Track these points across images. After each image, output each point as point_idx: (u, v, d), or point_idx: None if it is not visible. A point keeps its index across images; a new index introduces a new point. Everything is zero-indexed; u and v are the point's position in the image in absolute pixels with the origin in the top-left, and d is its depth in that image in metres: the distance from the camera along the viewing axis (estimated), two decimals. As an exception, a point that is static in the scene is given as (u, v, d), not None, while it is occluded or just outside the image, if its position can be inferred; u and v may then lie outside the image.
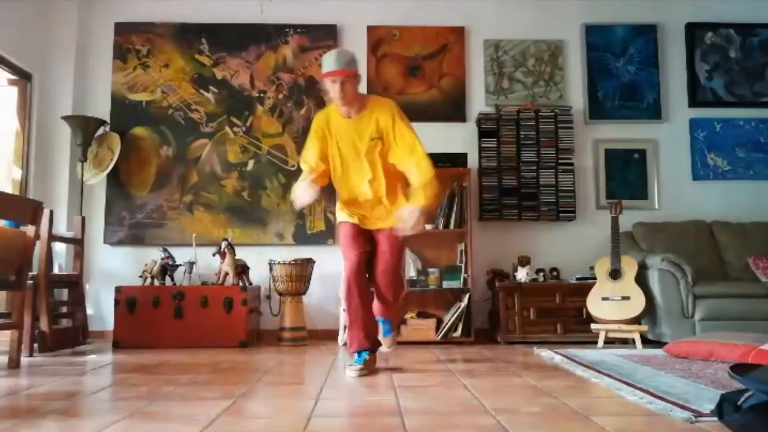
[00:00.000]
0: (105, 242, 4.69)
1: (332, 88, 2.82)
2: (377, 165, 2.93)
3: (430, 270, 4.41)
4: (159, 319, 4.05)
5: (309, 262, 4.32)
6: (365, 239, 2.99)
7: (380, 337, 3.06)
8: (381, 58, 4.90)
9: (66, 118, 4.53)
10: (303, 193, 2.80)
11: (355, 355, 2.93)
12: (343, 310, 3.35)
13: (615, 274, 4.00)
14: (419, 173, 2.85)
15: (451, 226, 4.36)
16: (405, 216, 2.77)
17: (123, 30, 4.87)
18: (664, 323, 3.91)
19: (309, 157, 3.02)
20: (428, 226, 4.37)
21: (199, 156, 4.78)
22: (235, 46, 4.87)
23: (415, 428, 1.77)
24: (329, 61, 2.79)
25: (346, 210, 3.04)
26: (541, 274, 4.43)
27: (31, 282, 3.52)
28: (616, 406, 2.09)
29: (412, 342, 4.15)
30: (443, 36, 4.93)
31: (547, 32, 4.97)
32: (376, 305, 2.99)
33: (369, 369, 2.88)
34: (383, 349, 3.09)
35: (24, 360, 3.35)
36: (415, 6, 4.96)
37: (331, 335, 4.49)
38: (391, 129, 2.89)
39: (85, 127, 4.49)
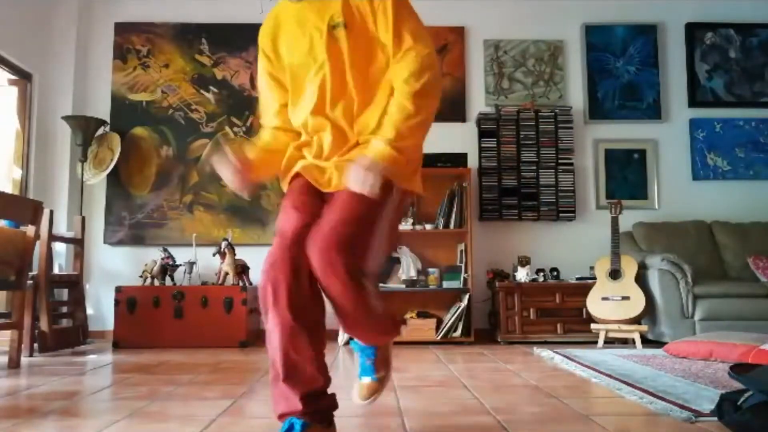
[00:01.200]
0: (105, 242, 4.69)
1: None
2: (343, 71, 1.62)
3: (430, 270, 4.41)
4: (159, 319, 4.05)
5: (309, 262, 4.32)
6: (317, 204, 1.68)
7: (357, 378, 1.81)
8: (381, 58, 4.88)
9: (66, 118, 4.53)
10: (225, 172, 1.66)
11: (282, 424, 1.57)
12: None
13: (615, 274, 4.00)
14: (401, 98, 1.60)
15: (451, 226, 4.36)
16: (351, 171, 1.51)
17: (123, 30, 4.87)
18: (664, 323, 3.91)
19: (267, 111, 1.78)
20: (428, 226, 4.37)
21: (199, 156, 4.78)
22: (235, 46, 4.87)
23: (415, 428, 1.77)
24: None
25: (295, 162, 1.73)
26: (541, 274, 4.43)
27: (31, 282, 3.53)
28: (616, 406, 2.09)
29: (412, 342, 4.15)
30: (443, 36, 4.93)
31: (547, 32, 4.97)
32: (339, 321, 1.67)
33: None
34: (356, 399, 1.79)
35: (24, 360, 3.35)
36: (414, 6, 4.93)
37: (330, 335, 4.47)
38: (368, 9, 1.63)
39: (85, 127, 4.49)
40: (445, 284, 4.34)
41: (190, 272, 4.39)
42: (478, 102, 4.89)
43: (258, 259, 4.71)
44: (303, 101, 1.68)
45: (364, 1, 1.63)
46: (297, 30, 1.67)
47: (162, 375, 2.83)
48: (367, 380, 1.78)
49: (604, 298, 3.96)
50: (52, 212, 3.76)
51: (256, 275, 4.49)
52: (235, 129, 4.80)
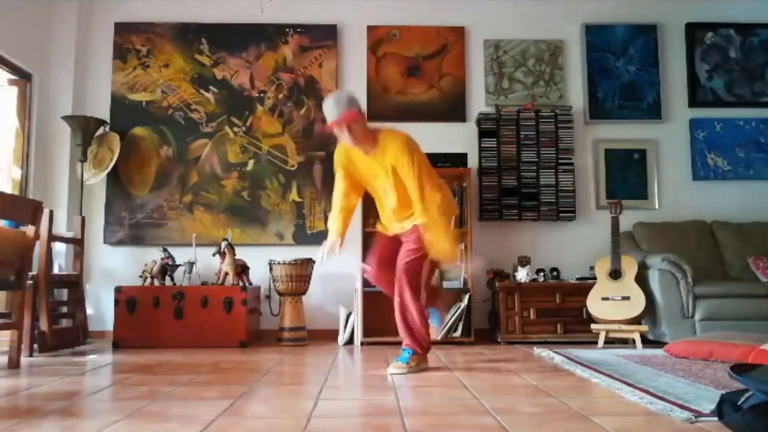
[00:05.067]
0: (105, 242, 4.69)
1: (341, 135, 2.89)
2: (400, 192, 2.98)
3: (430, 270, 4.41)
4: (159, 319, 4.05)
5: (309, 262, 4.32)
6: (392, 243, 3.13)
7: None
8: (381, 58, 4.90)
9: (66, 118, 4.53)
10: (329, 253, 3.06)
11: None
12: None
13: (615, 274, 4.00)
14: (423, 217, 2.92)
15: (451, 226, 4.35)
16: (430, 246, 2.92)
17: (123, 30, 4.87)
18: (664, 323, 3.91)
19: (336, 195, 3.16)
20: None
21: (199, 156, 4.78)
22: (235, 46, 4.87)
23: (415, 428, 1.77)
24: (328, 111, 2.85)
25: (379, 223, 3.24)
26: (541, 274, 4.43)
27: (31, 282, 3.53)
28: (616, 406, 2.09)
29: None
30: (443, 36, 4.93)
31: (547, 32, 4.97)
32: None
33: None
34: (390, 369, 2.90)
35: (24, 360, 3.35)
36: (415, 6, 4.96)
37: (331, 335, 4.49)
38: (399, 166, 2.91)
39: (85, 127, 4.49)
40: (445, 284, 4.34)
41: (190, 272, 4.40)
42: (478, 102, 4.89)
43: (258, 259, 4.75)
44: (384, 200, 3.08)
45: (396, 160, 2.91)
46: (365, 166, 3.02)
47: (162, 375, 2.83)
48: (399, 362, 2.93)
49: (604, 298, 3.96)
50: (52, 212, 3.76)
51: (255, 275, 4.49)
52: (235, 129, 4.80)
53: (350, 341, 4.21)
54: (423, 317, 2.98)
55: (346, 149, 3.04)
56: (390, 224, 3.14)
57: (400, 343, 4.19)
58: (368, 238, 4.36)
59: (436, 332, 3.25)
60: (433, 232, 2.86)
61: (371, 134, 2.95)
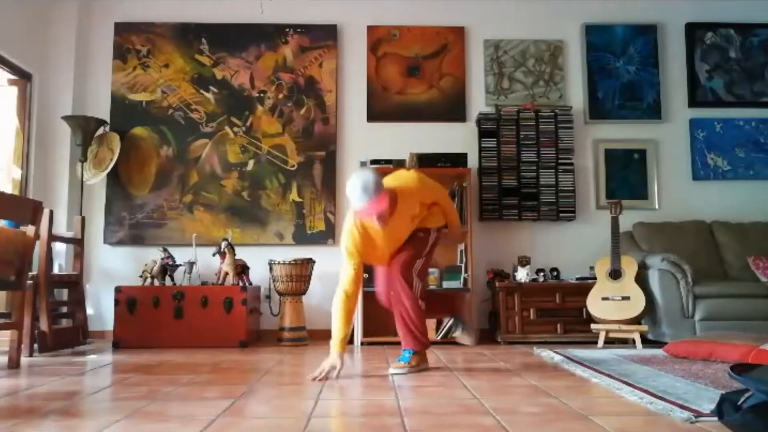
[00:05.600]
0: (105, 242, 4.69)
1: (372, 221, 2.81)
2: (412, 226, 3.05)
3: (431, 270, 4.40)
4: (159, 319, 4.05)
5: (309, 262, 4.32)
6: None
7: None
8: (381, 58, 4.90)
9: (66, 118, 4.53)
10: (335, 364, 2.81)
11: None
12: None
13: (615, 274, 4.00)
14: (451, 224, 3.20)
15: (451, 226, 4.35)
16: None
17: (123, 30, 4.87)
18: (664, 323, 3.91)
19: (346, 280, 2.90)
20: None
21: (199, 156, 4.78)
22: (235, 46, 4.87)
23: (415, 428, 1.77)
24: (356, 198, 2.72)
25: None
26: (541, 274, 4.43)
27: (31, 282, 3.53)
28: (616, 406, 2.09)
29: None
30: (443, 36, 4.93)
31: (547, 32, 4.97)
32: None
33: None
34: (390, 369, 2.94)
35: (24, 360, 3.35)
36: (415, 6, 4.96)
37: (330, 335, 4.48)
38: (425, 208, 3.04)
39: (85, 127, 4.49)
40: (445, 284, 4.34)
41: (190, 272, 4.40)
42: (478, 102, 4.89)
43: (258, 259, 4.75)
44: (382, 253, 3.02)
45: (422, 208, 3.03)
46: (382, 235, 2.92)
47: (162, 375, 2.83)
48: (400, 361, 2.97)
49: (604, 298, 3.96)
50: (52, 212, 3.76)
51: (255, 275, 4.49)
52: (235, 129, 4.80)
53: (350, 341, 4.21)
54: (418, 310, 2.93)
55: (363, 229, 2.90)
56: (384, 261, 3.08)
57: (399, 343, 4.18)
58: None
59: (468, 340, 3.34)
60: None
61: (392, 206, 2.86)
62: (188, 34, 4.88)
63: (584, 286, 4.15)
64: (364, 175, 2.74)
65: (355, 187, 2.71)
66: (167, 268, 4.31)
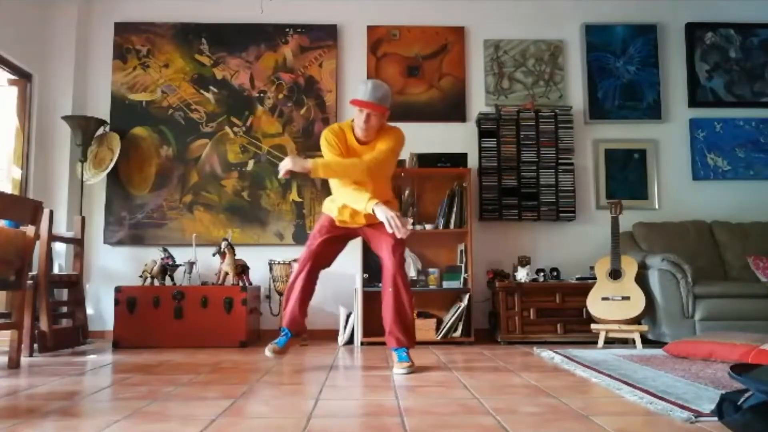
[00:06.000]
0: (105, 242, 4.69)
1: (358, 116, 2.90)
2: (377, 180, 3.02)
3: (430, 270, 4.41)
4: (159, 319, 4.05)
5: (309, 262, 4.32)
6: (340, 236, 3.16)
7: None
8: (381, 58, 4.90)
9: (66, 118, 4.53)
10: (293, 165, 2.83)
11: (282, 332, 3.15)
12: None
13: (615, 274, 4.00)
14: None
15: (451, 226, 4.35)
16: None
17: (123, 30, 4.87)
18: (664, 323, 3.91)
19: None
20: (428, 226, 4.37)
21: (199, 156, 4.78)
22: (235, 46, 4.87)
23: (415, 428, 1.77)
24: (364, 91, 2.87)
25: (335, 208, 3.10)
26: (541, 274, 4.43)
27: (31, 282, 3.53)
28: (616, 406, 2.09)
29: (412, 342, 4.15)
30: (443, 36, 4.93)
31: (547, 32, 4.97)
32: (392, 323, 3.02)
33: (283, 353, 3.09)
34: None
35: (24, 360, 3.35)
36: (415, 6, 4.96)
37: (331, 335, 4.49)
38: (378, 146, 2.99)
39: (85, 127, 4.49)
40: (445, 284, 4.34)
41: (190, 272, 4.39)
42: (478, 102, 4.89)
43: (258, 259, 4.74)
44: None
45: (383, 147, 2.97)
46: (357, 151, 2.97)
47: (162, 375, 2.83)
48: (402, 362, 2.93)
49: (604, 298, 3.96)
50: (52, 212, 3.76)
51: (255, 275, 4.49)
52: (235, 129, 4.80)
53: (350, 341, 4.21)
54: (413, 307, 3.06)
55: (342, 131, 3.01)
56: (357, 215, 3.06)
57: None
58: (368, 238, 4.36)
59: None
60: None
61: (380, 130, 3.01)
62: (188, 34, 4.88)
63: (584, 286, 4.15)
64: (381, 82, 2.93)
65: (375, 84, 2.89)
66: (167, 268, 4.31)
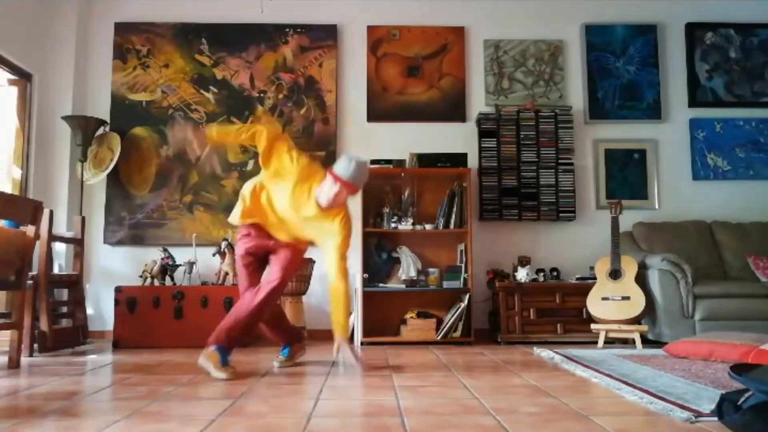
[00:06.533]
0: (105, 242, 4.69)
1: (330, 189, 2.83)
2: (297, 240, 3.04)
3: (430, 270, 4.41)
4: (159, 319, 4.04)
5: (309, 263, 4.32)
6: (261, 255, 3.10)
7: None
8: (381, 58, 4.90)
9: (66, 118, 4.53)
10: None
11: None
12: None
13: (615, 274, 4.00)
14: (336, 276, 2.96)
15: (451, 226, 4.35)
16: (342, 358, 2.99)
17: (123, 30, 4.87)
18: (664, 323, 3.91)
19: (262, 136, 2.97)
20: (428, 226, 4.37)
21: (199, 156, 4.77)
22: (235, 46, 4.87)
23: (415, 428, 1.77)
24: (346, 168, 2.80)
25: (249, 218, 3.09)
26: (541, 274, 4.43)
27: (31, 282, 3.53)
28: (616, 406, 2.09)
29: (412, 342, 4.15)
30: (443, 36, 4.93)
31: (547, 32, 4.97)
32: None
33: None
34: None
35: (24, 360, 3.35)
36: (415, 6, 4.96)
37: (331, 335, 4.47)
38: (338, 233, 2.93)
39: (85, 127, 4.49)
40: (445, 284, 4.34)
41: (190, 272, 4.39)
42: (478, 102, 4.89)
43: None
44: (278, 225, 3.04)
45: (337, 226, 2.96)
46: (304, 204, 2.94)
47: (162, 375, 2.83)
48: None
49: (604, 298, 3.96)
50: (52, 212, 3.76)
51: (256, 275, 4.48)
52: (235, 129, 4.79)
53: (350, 341, 4.21)
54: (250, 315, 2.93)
55: (259, 190, 3.06)
56: (277, 233, 3.04)
57: (400, 344, 4.19)
58: (368, 238, 4.37)
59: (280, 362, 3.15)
60: (340, 301, 2.96)
61: (338, 207, 2.95)
62: (188, 34, 4.88)
63: (584, 286, 4.15)
64: (365, 163, 2.89)
65: (359, 166, 2.83)
66: (167, 268, 4.31)
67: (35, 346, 3.60)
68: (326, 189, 2.85)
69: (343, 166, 2.82)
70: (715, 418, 1.77)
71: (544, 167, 4.70)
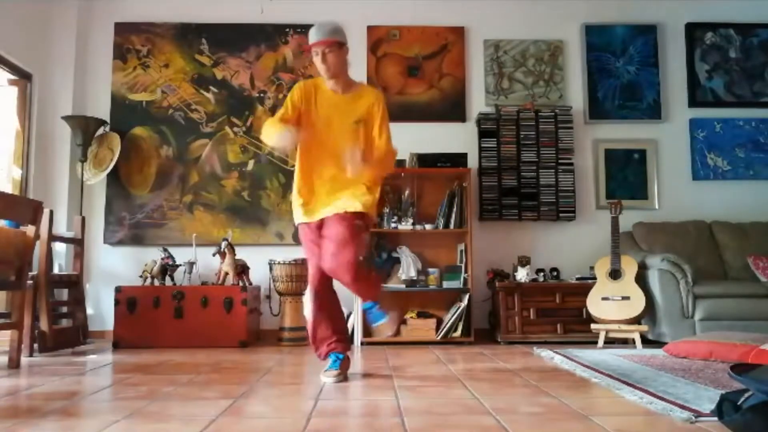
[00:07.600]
0: (105, 242, 4.69)
1: (316, 60, 2.71)
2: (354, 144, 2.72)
3: (430, 270, 4.41)
4: (159, 319, 4.05)
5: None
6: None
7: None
8: (381, 58, 4.90)
9: (66, 118, 4.53)
10: (281, 137, 2.54)
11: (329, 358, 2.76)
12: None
13: (615, 274, 4.00)
14: (380, 163, 2.77)
15: (451, 226, 4.35)
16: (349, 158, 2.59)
17: (123, 30, 4.87)
18: (664, 323, 3.91)
19: (282, 112, 2.77)
20: (428, 226, 4.37)
21: (199, 156, 4.78)
22: (235, 46, 4.87)
23: (415, 428, 1.77)
24: (312, 33, 2.70)
25: (301, 206, 2.77)
26: (541, 274, 4.43)
27: (31, 282, 3.52)
28: (616, 406, 2.09)
29: (412, 342, 4.15)
30: (443, 36, 4.93)
31: (547, 32, 4.97)
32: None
33: (344, 374, 2.71)
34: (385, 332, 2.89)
35: (24, 360, 3.35)
36: (415, 6, 4.96)
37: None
38: (375, 117, 2.76)
39: (85, 127, 4.49)
40: (445, 284, 4.34)
41: (190, 272, 4.40)
42: (478, 102, 4.89)
43: (258, 259, 4.74)
44: (324, 155, 2.75)
45: (376, 110, 2.77)
46: (329, 105, 2.78)
47: (162, 375, 2.83)
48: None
49: (604, 298, 3.96)
50: (52, 212, 3.76)
51: (256, 275, 4.49)
52: (235, 129, 4.80)
53: (350, 341, 4.21)
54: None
55: (315, 83, 2.82)
56: (318, 202, 2.75)
57: (400, 344, 4.19)
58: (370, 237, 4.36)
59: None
60: (376, 170, 2.73)
61: (348, 75, 2.81)
62: (188, 34, 4.88)
63: (584, 286, 4.15)
64: (328, 19, 2.77)
65: (320, 22, 2.70)
66: (167, 268, 4.31)
67: (35, 346, 3.60)
68: (319, 69, 2.74)
69: (310, 37, 2.71)
70: (715, 418, 1.77)
71: (544, 167, 4.70)
